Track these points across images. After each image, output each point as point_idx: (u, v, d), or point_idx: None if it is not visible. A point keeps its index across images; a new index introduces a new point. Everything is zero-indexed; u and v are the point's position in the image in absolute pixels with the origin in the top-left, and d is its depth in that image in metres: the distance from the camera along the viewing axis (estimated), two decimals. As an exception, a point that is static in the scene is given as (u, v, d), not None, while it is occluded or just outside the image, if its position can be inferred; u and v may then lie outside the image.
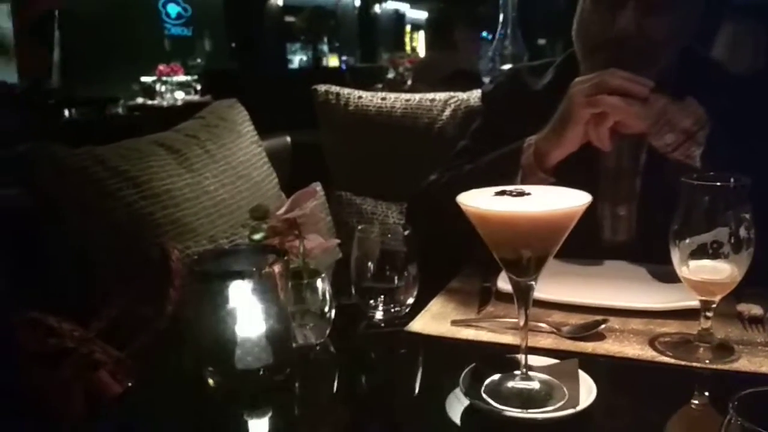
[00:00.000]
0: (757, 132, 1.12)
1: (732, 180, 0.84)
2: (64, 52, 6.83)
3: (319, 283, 0.94)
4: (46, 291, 1.14)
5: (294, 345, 0.90)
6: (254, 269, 0.82)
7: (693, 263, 0.86)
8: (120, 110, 6.19)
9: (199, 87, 6.89)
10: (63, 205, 1.18)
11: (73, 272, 1.16)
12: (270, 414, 0.82)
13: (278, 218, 0.93)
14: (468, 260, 1.22)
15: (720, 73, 1.34)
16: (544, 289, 0.99)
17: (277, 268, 0.82)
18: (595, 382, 0.76)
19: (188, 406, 0.84)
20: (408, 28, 16.66)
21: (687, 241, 0.86)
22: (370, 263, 1.02)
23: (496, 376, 0.79)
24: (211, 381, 0.83)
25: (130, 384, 0.95)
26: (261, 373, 0.82)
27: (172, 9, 9.26)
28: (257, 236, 0.91)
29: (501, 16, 2.85)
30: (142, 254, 1.14)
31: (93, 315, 1.06)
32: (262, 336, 0.82)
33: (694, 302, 0.90)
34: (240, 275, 0.81)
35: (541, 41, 7.59)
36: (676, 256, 0.88)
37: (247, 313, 0.81)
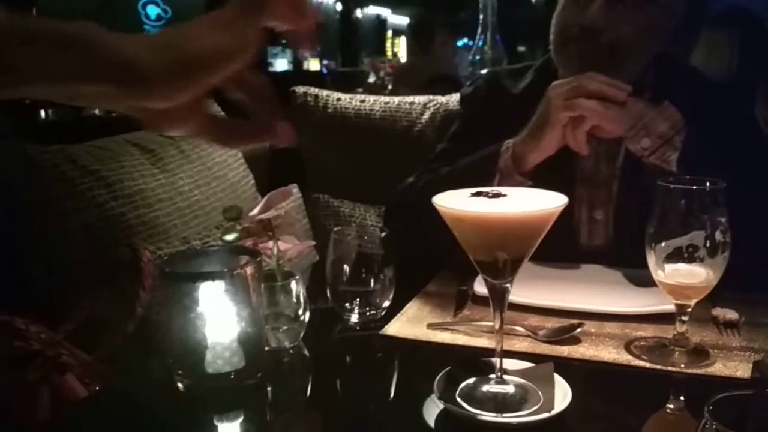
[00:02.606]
0: (733, 136, 1.12)
1: (708, 184, 0.84)
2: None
3: (293, 285, 0.93)
4: (13, 292, 1.11)
5: (266, 348, 0.88)
6: (225, 270, 0.80)
7: (669, 267, 0.86)
8: (97, 111, 6.10)
9: (178, 89, 6.82)
10: (32, 204, 1.15)
11: (42, 273, 1.13)
12: (241, 419, 0.81)
13: (252, 219, 0.92)
14: (445, 263, 1.21)
15: (697, 79, 1.35)
16: (521, 293, 0.98)
17: (249, 270, 0.80)
18: (571, 385, 0.76)
19: (157, 410, 0.82)
20: (390, 33, 16.68)
21: (663, 244, 0.86)
22: (345, 266, 1.01)
23: (471, 380, 0.78)
24: (180, 385, 0.81)
25: (97, 388, 0.93)
26: (232, 376, 0.80)
27: (152, 10, 9.17)
28: (230, 237, 0.89)
29: (481, 22, 2.87)
30: (113, 255, 1.12)
31: (61, 317, 1.04)
32: (234, 339, 0.80)
33: (669, 306, 0.90)
34: (211, 276, 0.80)
35: (521, 48, 7.65)
36: (651, 260, 0.88)
37: (219, 315, 0.80)
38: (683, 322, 0.88)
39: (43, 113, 5.64)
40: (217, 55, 0.61)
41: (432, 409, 0.76)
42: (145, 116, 0.61)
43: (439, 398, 0.75)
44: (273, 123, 0.68)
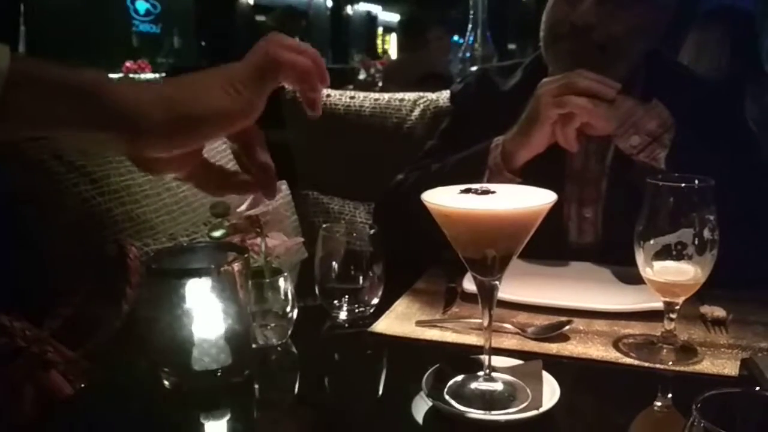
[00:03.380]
0: (722, 134, 1.13)
1: (696, 181, 0.84)
2: (29, 47, 6.69)
3: (281, 282, 0.92)
4: (-3, 288, 1.10)
5: (254, 346, 0.87)
6: (212, 267, 0.79)
7: (657, 264, 0.86)
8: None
9: (167, 85, 6.77)
10: (17, 199, 1.14)
11: (27, 269, 1.12)
12: (228, 417, 0.80)
13: (240, 215, 0.91)
14: (434, 261, 1.21)
15: (686, 77, 1.35)
16: (510, 290, 0.98)
17: (236, 266, 0.80)
18: (559, 383, 0.76)
19: (143, 408, 0.81)
20: (380, 30, 16.66)
21: (651, 242, 0.86)
22: (334, 263, 1.00)
23: (460, 377, 0.78)
24: (166, 382, 0.80)
25: (82, 385, 0.92)
26: (219, 374, 0.79)
27: (141, 5, 9.12)
28: (217, 233, 0.89)
29: (471, 19, 2.87)
30: (99, 251, 1.10)
31: (47, 314, 1.03)
32: (221, 336, 0.80)
33: (657, 304, 0.90)
34: (197, 273, 0.79)
35: (512, 45, 7.66)
36: (640, 258, 0.88)
37: (205, 312, 0.79)
38: (671, 319, 0.88)
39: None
40: (220, 117, 0.61)
41: (420, 407, 0.76)
42: (141, 160, 0.62)
43: (428, 396, 0.75)
44: (262, 179, 0.69)
